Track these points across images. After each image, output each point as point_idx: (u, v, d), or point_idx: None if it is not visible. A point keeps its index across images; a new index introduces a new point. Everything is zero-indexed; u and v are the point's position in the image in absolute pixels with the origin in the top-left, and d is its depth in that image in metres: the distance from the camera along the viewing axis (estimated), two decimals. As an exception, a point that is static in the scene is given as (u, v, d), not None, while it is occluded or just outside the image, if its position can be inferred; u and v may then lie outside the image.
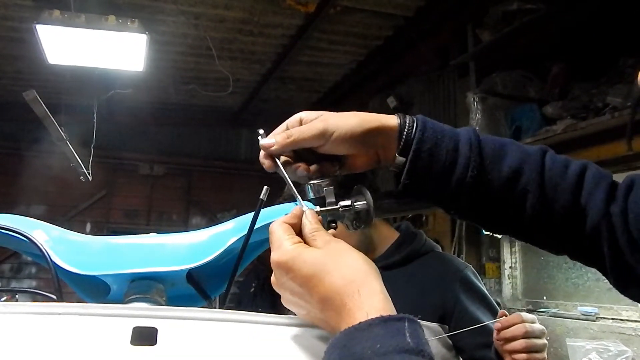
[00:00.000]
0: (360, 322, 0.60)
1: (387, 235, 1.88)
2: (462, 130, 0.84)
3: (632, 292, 0.79)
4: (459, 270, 1.76)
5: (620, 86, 3.35)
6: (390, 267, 1.71)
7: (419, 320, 0.62)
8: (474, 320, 1.57)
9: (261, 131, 0.85)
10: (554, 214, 0.78)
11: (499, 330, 1.43)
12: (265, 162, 0.84)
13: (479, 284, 1.75)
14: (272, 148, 0.82)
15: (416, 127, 0.81)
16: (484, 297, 1.70)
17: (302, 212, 0.76)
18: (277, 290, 0.73)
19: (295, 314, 0.74)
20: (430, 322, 1.07)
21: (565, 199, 0.78)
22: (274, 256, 0.70)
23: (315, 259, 0.67)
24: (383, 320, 0.60)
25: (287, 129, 0.83)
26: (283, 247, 0.70)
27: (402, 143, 0.81)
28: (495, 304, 1.72)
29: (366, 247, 1.76)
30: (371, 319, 0.60)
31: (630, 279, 0.77)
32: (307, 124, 0.83)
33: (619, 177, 0.79)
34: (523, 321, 1.42)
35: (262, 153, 0.84)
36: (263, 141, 0.83)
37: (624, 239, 0.74)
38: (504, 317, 1.46)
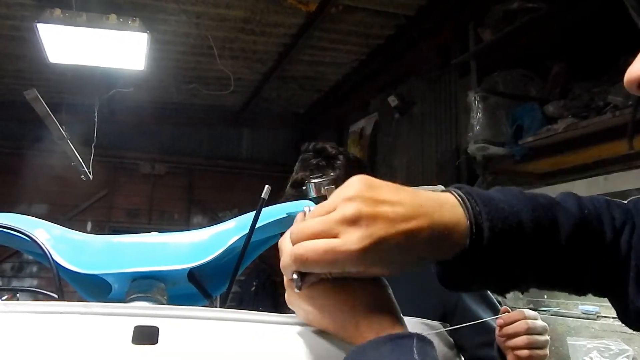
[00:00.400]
0: (369, 341, 0.61)
1: None
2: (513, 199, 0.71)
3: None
4: None
5: (621, 85, 3.33)
6: None
7: (430, 339, 0.63)
8: (475, 318, 1.56)
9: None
10: (602, 257, 0.73)
11: (501, 327, 1.43)
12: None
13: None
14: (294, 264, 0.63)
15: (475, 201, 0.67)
16: (486, 296, 1.69)
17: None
18: (292, 307, 0.72)
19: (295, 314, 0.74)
20: (431, 320, 1.07)
21: (606, 244, 0.73)
22: None
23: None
24: (391, 338, 0.61)
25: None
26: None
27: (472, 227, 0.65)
28: (497, 302, 1.71)
29: None
30: (380, 337, 0.61)
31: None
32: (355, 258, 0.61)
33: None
34: (525, 318, 1.42)
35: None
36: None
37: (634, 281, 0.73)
38: (506, 313, 1.46)
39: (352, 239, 0.59)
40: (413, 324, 0.65)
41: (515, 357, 1.41)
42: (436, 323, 1.09)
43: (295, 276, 0.63)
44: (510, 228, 0.66)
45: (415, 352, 0.59)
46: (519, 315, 1.43)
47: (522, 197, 0.70)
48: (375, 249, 0.59)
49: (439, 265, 0.69)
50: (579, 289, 0.77)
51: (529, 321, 1.41)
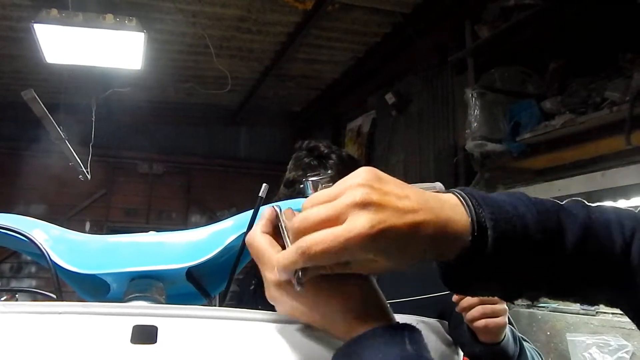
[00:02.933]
0: (362, 334, 0.61)
1: None
2: (519, 203, 0.70)
3: None
4: None
5: (618, 81, 3.35)
6: None
7: (419, 329, 0.63)
8: None
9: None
10: (610, 267, 0.72)
11: (457, 302, 1.43)
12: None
13: None
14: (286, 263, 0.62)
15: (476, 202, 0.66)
16: None
17: (275, 214, 0.72)
18: (274, 304, 0.71)
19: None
20: (429, 319, 1.07)
21: (616, 254, 0.71)
22: (271, 277, 0.67)
23: None
24: (385, 330, 0.61)
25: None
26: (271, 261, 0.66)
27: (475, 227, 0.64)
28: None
29: None
30: (372, 329, 0.61)
31: None
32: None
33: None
34: None
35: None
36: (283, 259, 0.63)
37: None
38: None
39: (363, 222, 0.58)
40: (410, 322, 0.65)
41: (475, 329, 1.42)
42: (434, 321, 1.09)
43: (298, 274, 0.62)
44: (514, 229, 0.65)
45: (408, 342, 0.60)
46: None
47: (527, 200, 0.69)
48: (384, 235, 0.59)
49: (443, 265, 0.68)
50: (591, 300, 0.76)
51: None
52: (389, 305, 0.67)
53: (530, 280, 0.69)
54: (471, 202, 0.65)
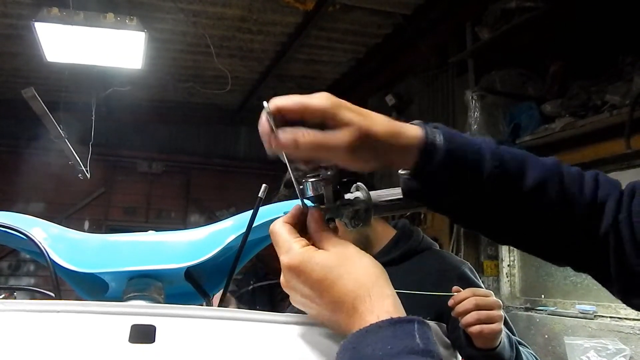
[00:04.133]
0: (370, 324, 0.62)
1: (384, 233, 1.89)
2: (481, 139, 0.78)
3: (636, 302, 0.79)
4: (457, 267, 1.77)
5: (619, 84, 3.35)
6: (387, 264, 1.71)
7: (428, 322, 0.63)
8: None
9: (266, 104, 0.70)
10: (570, 225, 0.76)
11: (453, 307, 1.45)
12: (272, 148, 0.70)
13: (477, 281, 1.75)
14: (287, 146, 0.68)
15: (438, 132, 0.75)
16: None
17: (302, 211, 0.75)
18: (287, 292, 0.72)
19: (301, 312, 0.74)
20: (427, 320, 1.07)
21: (582, 210, 0.76)
22: (284, 260, 0.70)
23: (325, 262, 0.68)
24: (393, 323, 0.61)
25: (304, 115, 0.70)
26: (292, 250, 0.70)
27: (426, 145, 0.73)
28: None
29: (363, 245, 1.76)
30: (381, 321, 0.62)
31: (635, 288, 0.76)
32: (337, 132, 0.70)
33: (617, 175, 0.79)
34: (475, 295, 1.43)
35: (268, 134, 0.69)
36: (284, 136, 0.68)
37: (630, 245, 0.74)
38: (456, 293, 1.48)
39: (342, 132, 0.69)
40: None
41: (470, 334, 1.42)
42: (432, 323, 1.09)
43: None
44: (465, 154, 0.73)
45: (417, 335, 0.60)
46: (467, 294, 1.45)
47: (492, 140, 0.76)
48: (360, 141, 0.69)
49: (403, 176, 0.77)
50: (554, 257, 0.80)
51: (477, 297, 1.43)
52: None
53: (481, 209, 0.76)
54: (428, 127, 0.75)
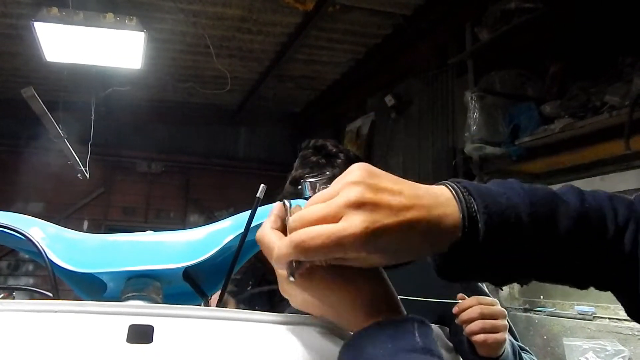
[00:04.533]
0: (371, 324, 0.62)
1: None
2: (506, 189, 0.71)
3: None
4: None
5: (618, 85, 3.35)
6: (390, 266, 1.68)
7: (428, 323, 0.64)
8: None
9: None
10: (600, 251, 0.72)
11: (457, 314, 1.44)
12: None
13: (483, 288, 1.70)
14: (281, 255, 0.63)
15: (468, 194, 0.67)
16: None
17: (284, 211, 0.72)
18: (286, 297, 0.72)
19: (293, 313, 0.74)
20: (430, 323, 1.07)
21: (612, 235, 0.72)
22: (279, 270, 0.68)
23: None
24: (393, 322, 0.62)
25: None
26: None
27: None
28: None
29: None
30: (381, 321, 0.62)
31: None
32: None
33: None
34: (480, 304, 1.42)
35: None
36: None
37: None
38: (461, 301, 1.46)
39: (356, 223, 0.59)
40: None
41: (474, 343, 1.42)
42: (435, 327, 1.09)
43: (292, 265, 0.63)
44: (507, 222, 0.65)
45: (417, 335, 0.60)
46: (472, 302, 1.44)
47: (520, 190, 0.70)
48: (378, 235, 0.59)
49: (436, 257, 0.68)
50: (580, 284, 0.76)
51: (482, 306, 1.42)
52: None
53: (521, 268, 0.70)
54: (463, 195, 0.66)
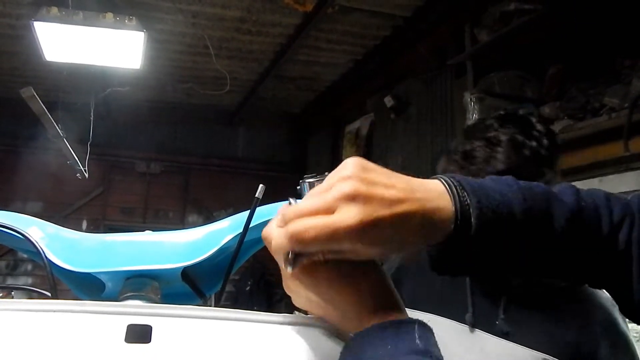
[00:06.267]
0: (372, 325, 0.62)
1: None
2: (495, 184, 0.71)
3: None
4: (605, 309, 1.41)
5: (617, 87, 3.35)
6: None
7: (429, 325, 0.63)
8: None
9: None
10: (595, 248, 0.73)
11: None
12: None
13: (627, 331, 1.42)
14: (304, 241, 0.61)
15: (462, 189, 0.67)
16: (628, 348, 1.40)
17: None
18: (290, 294, 0.72)
19: (293, 313, 0.74)
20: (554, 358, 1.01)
21: (606, 233, 0.73)
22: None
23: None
24: (394, 324, 0.62)
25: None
26: None
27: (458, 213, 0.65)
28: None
29: None
30: (383, 322, 0.62)
31: None
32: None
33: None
34: None
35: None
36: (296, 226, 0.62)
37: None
38: None
39: (350, 214, 0.59)
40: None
41: None
42: None
43: (289, 256, 0.63)
44: (500, 217, 0.66)
45: (417, 337, 0.60)
46: None
47: (515, 186, 0.70)
48: (372, 227, 0.60)
49: (430, 250, 0.69)
50: (574, 280, 0.78)
51: None
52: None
53: (514, 263, 0.71)
54: (457, 189, 0.66)
